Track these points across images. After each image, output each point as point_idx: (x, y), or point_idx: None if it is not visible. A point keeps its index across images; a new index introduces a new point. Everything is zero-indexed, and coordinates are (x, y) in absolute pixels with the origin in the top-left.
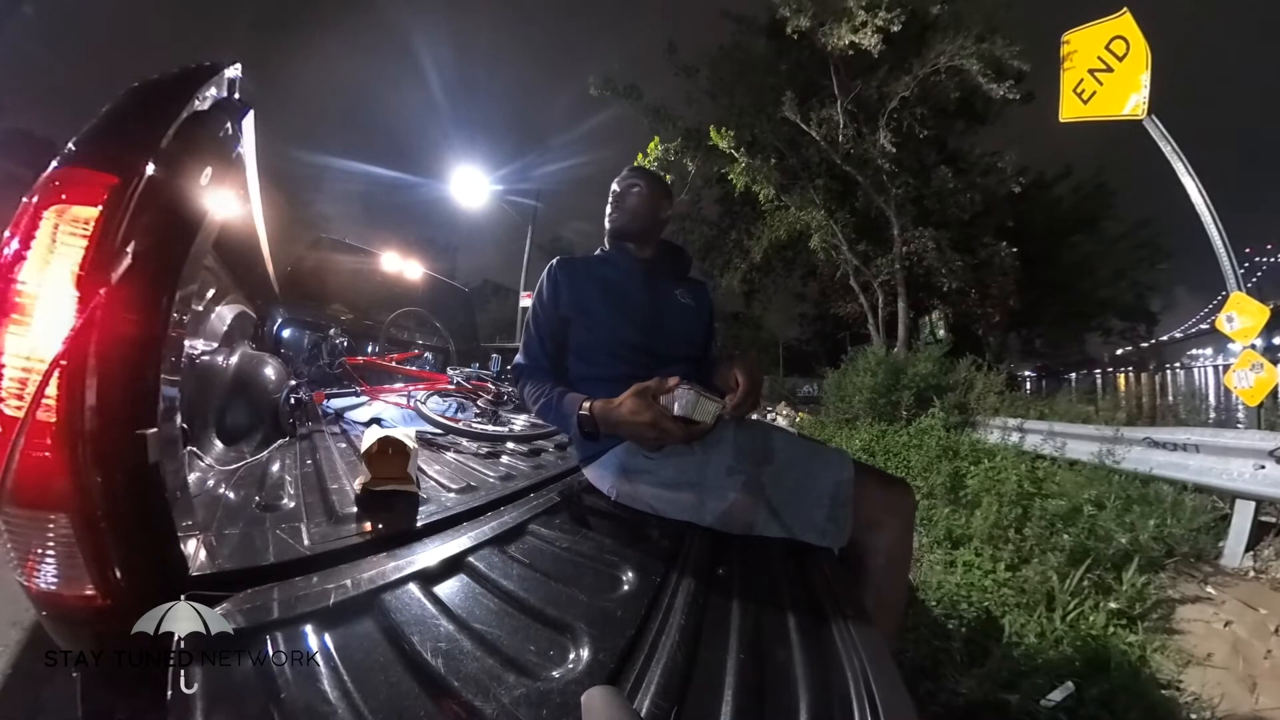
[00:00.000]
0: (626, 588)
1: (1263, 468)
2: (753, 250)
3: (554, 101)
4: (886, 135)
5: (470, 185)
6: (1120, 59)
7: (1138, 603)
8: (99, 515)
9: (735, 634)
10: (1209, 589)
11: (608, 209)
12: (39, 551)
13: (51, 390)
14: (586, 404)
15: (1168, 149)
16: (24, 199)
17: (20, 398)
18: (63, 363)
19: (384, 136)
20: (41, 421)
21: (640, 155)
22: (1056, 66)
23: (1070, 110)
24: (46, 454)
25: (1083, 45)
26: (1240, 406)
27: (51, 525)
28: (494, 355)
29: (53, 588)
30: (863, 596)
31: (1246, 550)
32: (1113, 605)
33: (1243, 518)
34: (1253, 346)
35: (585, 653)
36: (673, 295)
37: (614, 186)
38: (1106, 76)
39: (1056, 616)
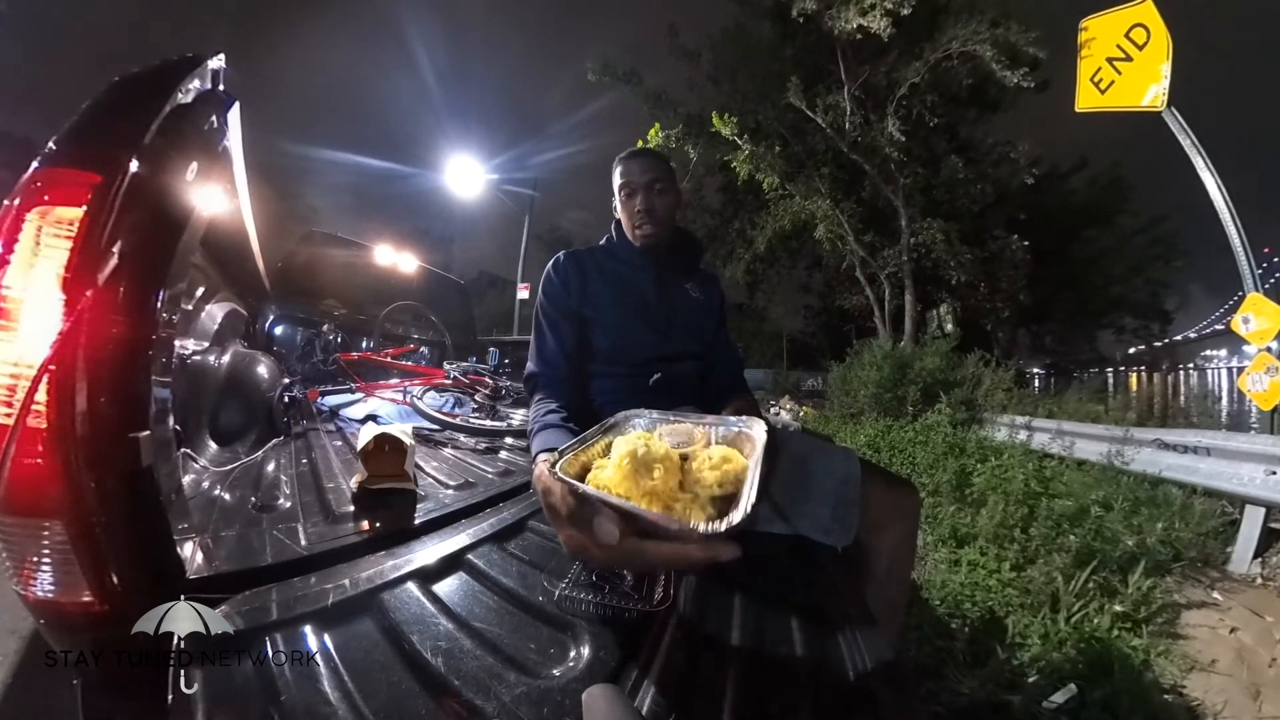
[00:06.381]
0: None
1: (1274, 473)
2: (756, 240)
3: (551, 88)
4: (895, 123)
5: (465, 175)
6: (1140, 48)
7: (1143, 606)
8: (94, 521)
9: (737, 631)
10: (1215, 595)
11: (625, 206)
12: (34, 559)
13: (41, 396)
14: (546, 458)
15: (1187, 143)
16: (5, 201)
17: (10, 405)
18: (51, 368)
19: (376, 126)
20: (32, 428)
21: (640, 142)
22: (1074, 54)
23: (1086, 100)
24: (38, 461)
25: (1101, 32)
26: (1254, 410)
27: (46, 532)
28: (491, 349)
29: (49, 595)
30: (865, 595)
31: (1255, 557)
32: (1118, 608)
33: (1252, 524)
34: (1269, 349)
35: (586, 650)
36: (684, 290)
37: (624, 176)
38: (1125, 66)
39: (1061, 618)
